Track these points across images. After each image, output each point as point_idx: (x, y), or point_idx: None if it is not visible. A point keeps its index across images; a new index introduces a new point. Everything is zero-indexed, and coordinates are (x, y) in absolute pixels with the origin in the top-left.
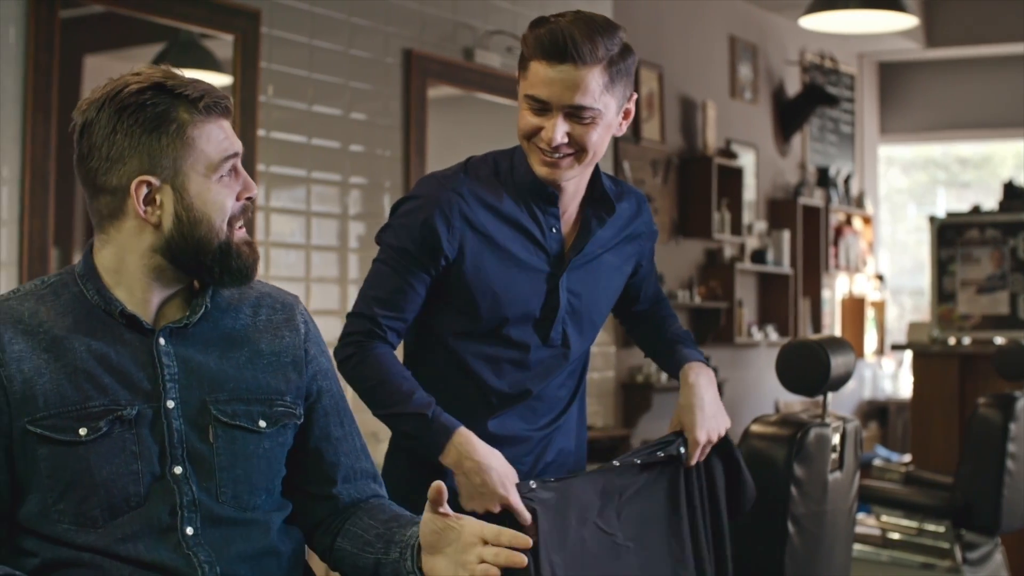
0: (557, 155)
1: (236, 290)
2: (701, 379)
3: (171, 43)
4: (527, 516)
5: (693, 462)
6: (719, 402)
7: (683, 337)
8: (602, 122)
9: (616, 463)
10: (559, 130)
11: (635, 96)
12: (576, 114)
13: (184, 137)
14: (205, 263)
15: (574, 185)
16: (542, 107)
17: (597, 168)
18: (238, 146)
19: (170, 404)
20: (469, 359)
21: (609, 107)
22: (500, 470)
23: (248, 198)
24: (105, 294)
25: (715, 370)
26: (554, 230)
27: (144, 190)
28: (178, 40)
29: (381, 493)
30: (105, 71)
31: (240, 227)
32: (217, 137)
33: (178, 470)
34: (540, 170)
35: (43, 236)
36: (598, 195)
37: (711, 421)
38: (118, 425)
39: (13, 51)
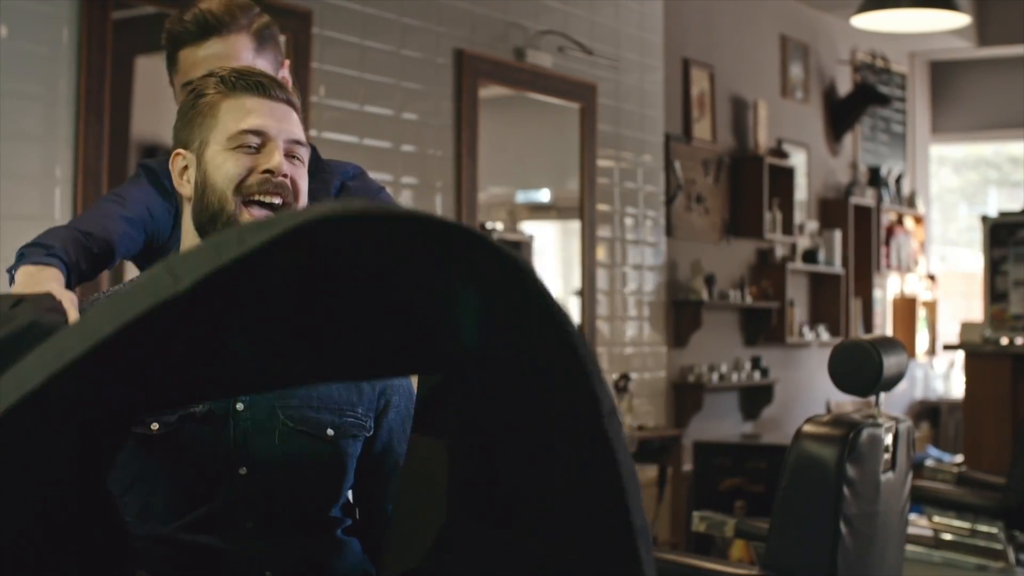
0: None
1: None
2: None
3: None
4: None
5: None
6: None
7: None
8: None
9: None
10: None
11: (287, 63)
12: None
13: (213, 111)
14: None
15: None
16: None
17: None
18: (268, 125)
19: (239, 406)
20: None
21: (265, 70)
22: None
23: (267, 171)
24: None
25: None
26: None
27: (180, 162)
28: None
29: None
30: (156, 72)
31: (265, 208)
32: (242, 109)
33: (243, 471)
34: None
35: None
36: None
37: None
38: (188, 422)
39: (66, 52)
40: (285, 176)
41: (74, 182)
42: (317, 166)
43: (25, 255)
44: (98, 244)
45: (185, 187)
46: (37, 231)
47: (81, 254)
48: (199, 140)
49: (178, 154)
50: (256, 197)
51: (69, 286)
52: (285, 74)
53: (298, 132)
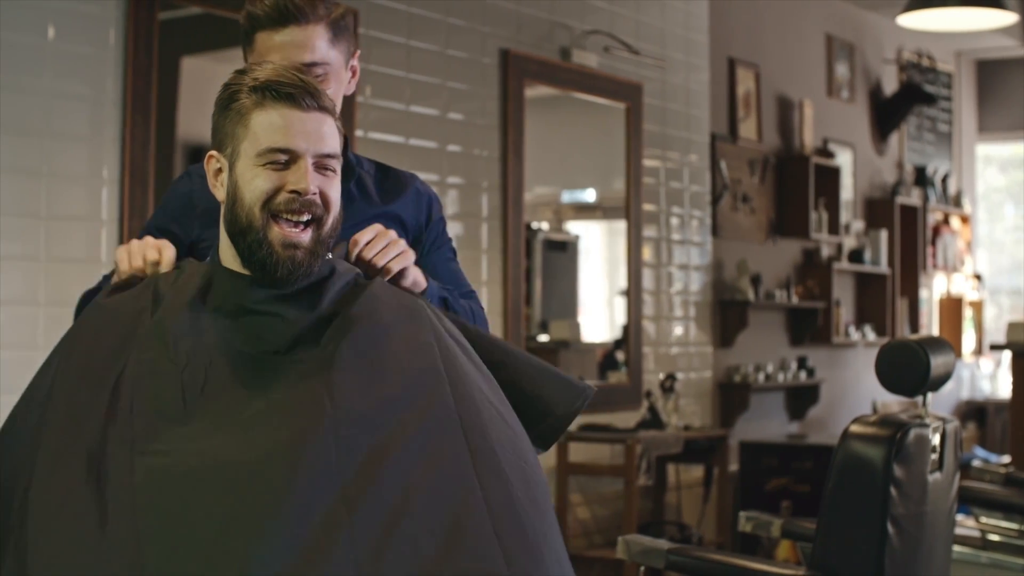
0: None
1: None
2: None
3: None
4: None
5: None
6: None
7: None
8: (334, 77)
9: None
10: None
11: (358, 52)
12: (309, 72)
13: (244, 121)
14: (241, 248)
15: None
16: None
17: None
18: (296, 143)
19: None
20: None
21: (337, 62)
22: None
23: (294, 191)
24: None
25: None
26: None
27: (214, 164)
28: None
29: None
30: (202, 72)
31: (295, 226)
32: (274, 125)
33: None
34: None
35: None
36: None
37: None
38: None
39: (113, 53)
40: (314, 193)
41: (121, 182)
42: (387, 174)
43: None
44: None
45: (219, 191)
46: (84, 231)
47: None
48: (231, 147)
49: (212, 156)
50: (284, 215)
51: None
52: (355, 63)
53: (329, 144)
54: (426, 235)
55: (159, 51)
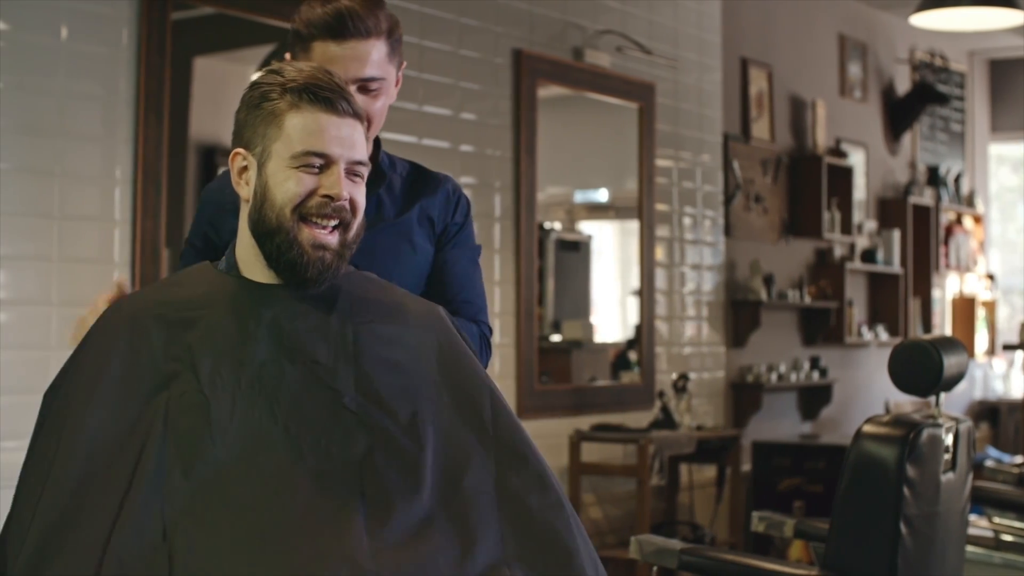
0: None
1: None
2: None
3: (281, 44)
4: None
5: None
6: None
7: None
8: (385, 91)
9: None
10: None
11: (404, 64)
12: (365, 87)
13: (278, 121)
14: (269, 249)
15: None
16: None
17: (378, 141)
18: (332, 149)
19: None
20: None
21: (391, 75)
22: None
23: (327, 196)
24: None
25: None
26: None
27: (239, 162)
28: (287, 41)
29: None
30: (214, 72)
31: (323, 228)
32: (308, 129)
33: None
34: None
35: (155, 236)
36: (374, 168)
37: None
38: None
39: (126, 53)
40: (346, 199)
41: (134, 182)
42: (420, 175)
43: None
44: None
45: (244, 189)
46: (97, 231)
47: None
48: (261, 147)
49: (238, 153)
50: (314, 218)
51: None
52: (400, 75)
53: (360, 152)
54: (445, 232)
55: (172, 51)
